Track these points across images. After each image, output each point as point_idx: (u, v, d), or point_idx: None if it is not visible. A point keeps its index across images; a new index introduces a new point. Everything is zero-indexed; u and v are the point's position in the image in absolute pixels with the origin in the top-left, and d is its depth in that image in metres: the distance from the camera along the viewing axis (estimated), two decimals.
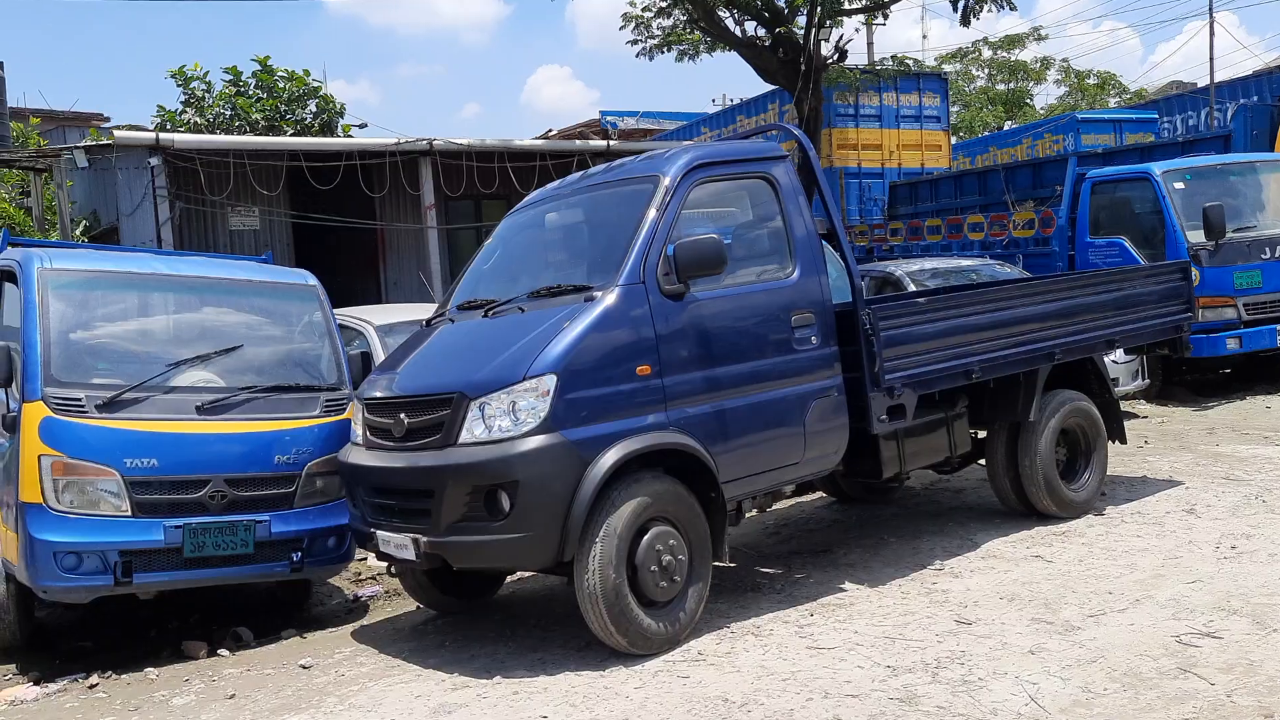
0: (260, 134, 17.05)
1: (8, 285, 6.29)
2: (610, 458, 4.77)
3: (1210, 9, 26.77)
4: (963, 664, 4.53)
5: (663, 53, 18.29)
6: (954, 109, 26.48)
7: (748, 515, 6.56)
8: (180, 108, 18.47)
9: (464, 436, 4.83)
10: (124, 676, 5.52)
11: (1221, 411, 10.57)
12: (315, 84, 19.21)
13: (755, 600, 5.74)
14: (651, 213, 5.24)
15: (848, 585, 5.85)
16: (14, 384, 5.64)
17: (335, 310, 6.89)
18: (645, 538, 4.90)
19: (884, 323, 5.80)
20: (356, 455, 5.44)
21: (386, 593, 6.82)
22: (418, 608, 6.27)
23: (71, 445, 5.44)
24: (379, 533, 5.22)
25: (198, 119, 17.97)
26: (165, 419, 5.69)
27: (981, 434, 6.95)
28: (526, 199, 6.55)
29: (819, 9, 15.84)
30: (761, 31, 16.90)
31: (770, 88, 19.71)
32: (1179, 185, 11.04)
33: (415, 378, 5.42)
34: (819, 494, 8.10)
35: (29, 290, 5.79)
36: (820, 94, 16.79)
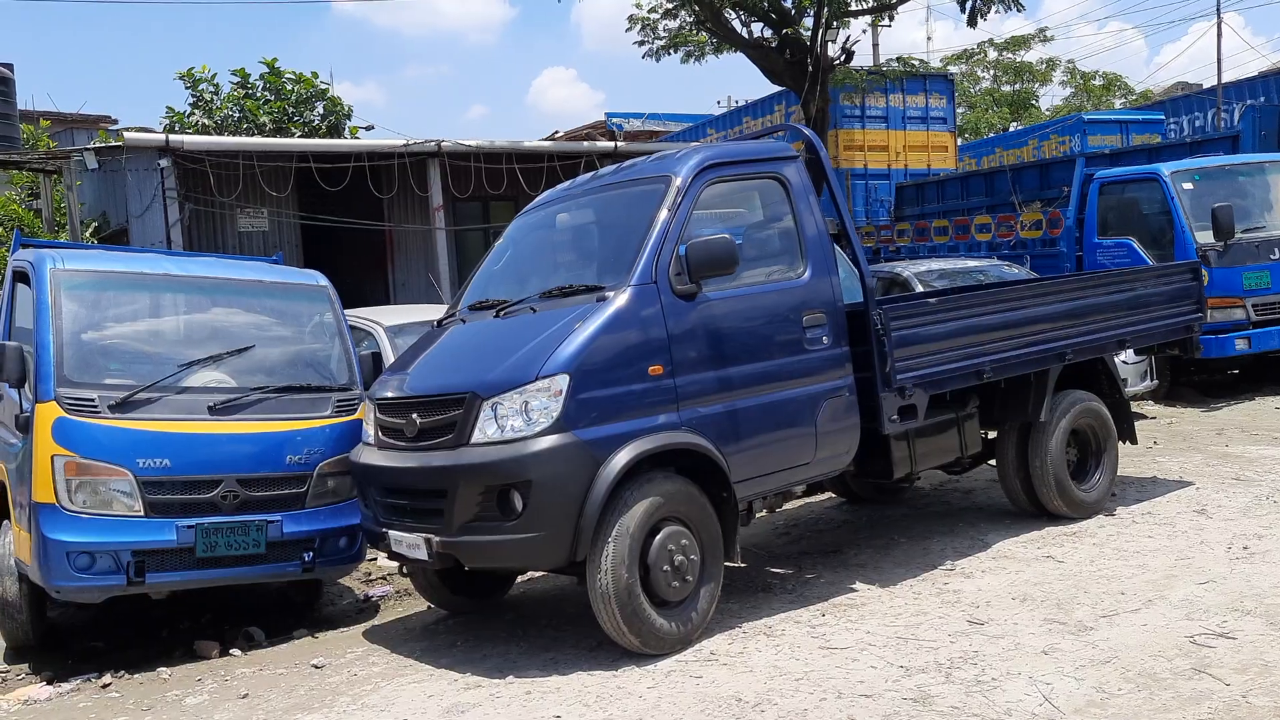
0: (268, 136, 17.06)
1: (20, 286, 6.31)
2: (623, 458, 4.77)
3: (1218, 9, 26.74)
4: (976, 664, 4.52)
5: (669, 54, 18.30)
6: (959, 110, 26.41)
7: (757, 515, 6.56)
8: (188, 110, 18.50)
9: (476, 436, 4.84)
10: (137, 676, 5.54)
11: (1230, 412, 10.55)
12: (323, 86, 19.24)
13: (766, 600, 5.74)
14: (663, 213, 5.25)
15: (859, 585, 5.84)
16: (27, 384, 5.66)
17: (344, 311, 6.90)
18: (657, 537, 4.90)
19: (895, 323, 5.80)
20: (369, 455, 5.45)
21: (397, 593, 6.82)
22: (429, 607, 6.27)
23: (84, 445, 5.45)
24: (391, 533, 5.23)
25: (205, 121, 18.00)
26: (177, 419, 5.71)
27: (992, 434, 6.95)
28: (537, 200, 6.56)
29: (825, 10, 15.84)
30: (768, 33, 16.90)
31: (776, 89, 19.72)
32: (1188, 186, 11.04)
33: (427, 378, 5.43)
34: (828, 494, 8.10)
35: (42, 291, 5.82)
36: (827, 95, 16.79)
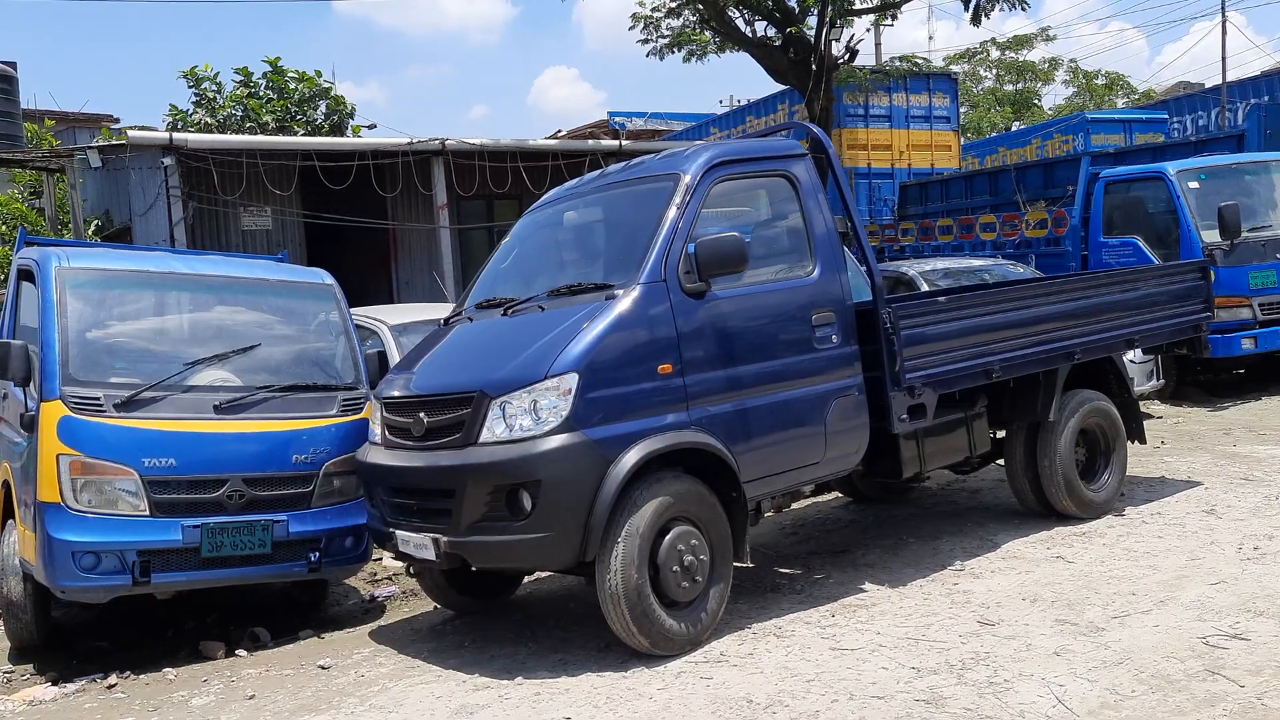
0: (271, 135, 17.04)
1: (25, 284, 6.29)
2: (632, 457, 4.75)
3: (1223, 7, 26.73)
4: (988, 665, 4.50)
5: (672, 52, 18.24)
6: (961, 109, 26.34)
7: (765, 515, 6.53)
8: (191, 108, 18.47)
9: (485, 436, 4.81)
10: (142, 677, 5.51)
11: (1237, 412, 10.52)
12: (326, 85, 19.21)
13: (775, 601, 5.71)
14: (672, 211, 5.22)
15: (868, 586, 5.82)
16: (32, 383, 5.63)
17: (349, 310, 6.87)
18: (667, 538, 4.87)
19: (904, 321, 5.77)
20: (375, 455, 5.42)
21: (403, 593, 6.80)
22: (435, 608, 6.25)
23: (90, 444, 5.42)
24: (398, 533, 5.20)
25: (208, 120, 17.97)
26: (183, 418, 5.68)
27: (1000, 434, 6.92)
28: (544, 197, 6.53)
29: (830, 9, 15.80)
30: (772, 31, 16.85)
31: (780, 88, 19.67)
32: (1193, 185, 11.00)
33: (435, 377, 5.40)
34: (834, 494, 8.07)
35: (47, 289, 5.79)
36: (831, 94, 16.74)
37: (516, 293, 5.67)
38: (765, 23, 16.81)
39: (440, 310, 6.99)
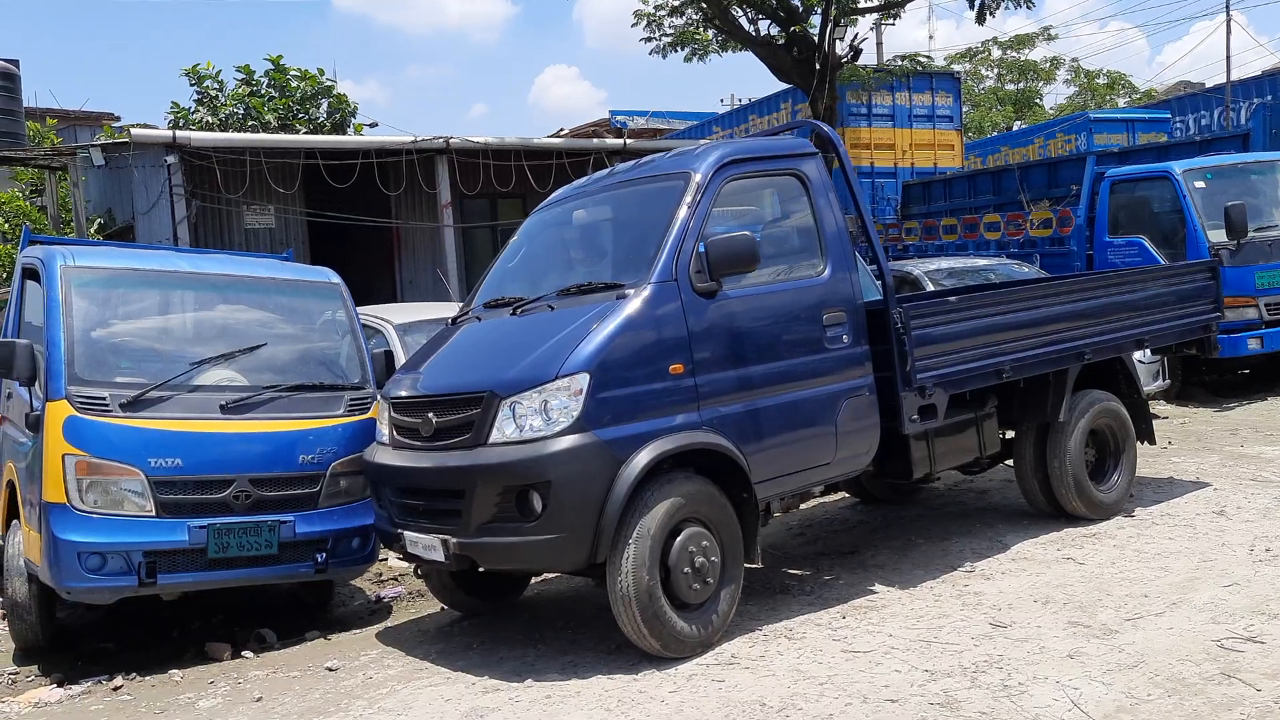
0: (274, 133, 17.00)
1: (30, 283, 6.25)
2: (644, 458, 4.71)
3: (1227, 6, 26.69)
4: (1001, 668, 4.46)
5: (675, 51, 18.22)
6: (964, 109, 26.28)
7: (773, 516, 6.50)
8: (193, 106, 18.43)
9: (494, 436, 4.77)
10: (148, 678, 5.48)
11: (1243, 412, 10.48)
12: (328, 83, 19.17)
13: (785, 602, 5.68)
14: (683, 210, 5.18)
15: (878, 587, 5.78)
16: (37, 383, 5.60)
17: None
18: (678, 539, 4.84)
19: (915, 321, 5.73)
20: (383, 455, 5.38)
21: (409, 594, 6.76)
22: (442, 609, 6.21)
23: (95, 444, 5.39)
24: (406, 533, 5.16)
25: (210, 118, 17.93)
26: (189, 418, 5.64)
27: (1009, 434, 6.88)
28: (552, 196, 6.49)
29: (834, 8, 15.77)
30: (776, 30, 16.83)
31: (782, 87, 19.65)
32: (1199, 184, 10.97)
33: (443, 377, 5.36)
34: (842, 494, 8.03)
35: (52, 288, 5.75)
36: (834, 93, 16.72)
37: (525, 292, 5.63)
38: (769, 21, 16.80)
39: (445, 309, 6.96)
